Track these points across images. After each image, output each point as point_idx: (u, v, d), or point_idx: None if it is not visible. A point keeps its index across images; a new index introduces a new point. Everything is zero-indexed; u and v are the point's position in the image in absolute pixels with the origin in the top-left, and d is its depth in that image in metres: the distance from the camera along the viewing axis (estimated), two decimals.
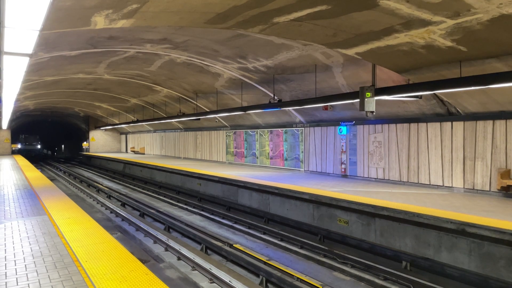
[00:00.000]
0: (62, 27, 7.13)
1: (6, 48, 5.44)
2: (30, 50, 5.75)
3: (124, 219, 13.94)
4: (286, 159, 17.60)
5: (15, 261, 5.23)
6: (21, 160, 28.56)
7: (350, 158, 14.32)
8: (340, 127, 14.62)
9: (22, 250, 5.69)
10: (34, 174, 17.21)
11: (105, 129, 40.61)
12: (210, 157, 24.18)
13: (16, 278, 4.61)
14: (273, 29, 8.19)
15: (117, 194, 19.55)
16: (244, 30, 8.48)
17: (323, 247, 9.67)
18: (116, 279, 4.50)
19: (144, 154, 34.96)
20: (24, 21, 4.34)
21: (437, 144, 11.37)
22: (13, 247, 5.87)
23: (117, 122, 35.67)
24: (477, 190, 10.42)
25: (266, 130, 18.79)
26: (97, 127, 40.31)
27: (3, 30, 4.53)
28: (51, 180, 22.88)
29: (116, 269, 4.82)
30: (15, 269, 4.93)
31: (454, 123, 10.93)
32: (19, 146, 55.73)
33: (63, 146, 63.85)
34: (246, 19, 7.61)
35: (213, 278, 7.89)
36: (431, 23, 7.02)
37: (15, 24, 4.41)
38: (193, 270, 8.58)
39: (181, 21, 7.62)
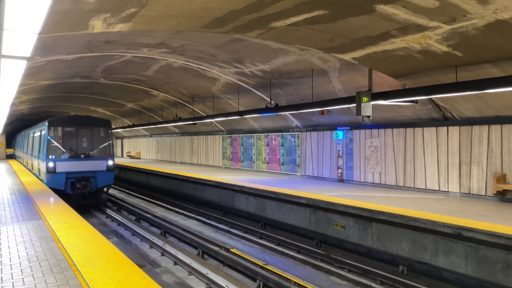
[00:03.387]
0: (60, 30, 7.13)
1: (4, 51, 5.43)
2: (28, 53, 5.73)
3: (120, 223, 13.87)
4: (282, 164, 17.60)
5: (11, 265, 5.19)
6: (16, 164, 28.37)
7: (346, 163, 14.34)
8: (336, 131, 14.66)
9: (18, 255, 5.65)
10: (29, 178, 17.10)
11: None
12: (206, 161, 24.14)
13: (12, 283, 4.57)
14: (271, 33, 8.22)
15: (112, 199, 19.45)
16: (242, 34, 8.51)
17: (320, 251, 9.66)
18: (113, 283, 4.48)
19: (140, 158, 34.85)
20: (23, 23, 4.33)
21: (433, 149, 11.41)
22: (9, 251, 5.82)
23: (113, 126, 35.57)
24: (473, 194, 10.46)
25: (262, 134, 18.80)
26: None
27: (2, 33, 4.52)
28: None
29: (113, 274, 4.79)
30: (11, 273, 4.89)
31: (450, 127, 10.99)
32: (47, 165, 15.55)
33: None
34: (243, 24, 7.64)
35: (210, 283, 7.85)
36: (427, 28, 7.08)
37: (14, 26, 4.40)
38: (189, 275, 8.54)
39: (179, 26, 7.63)
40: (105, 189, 17.48)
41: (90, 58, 13.18)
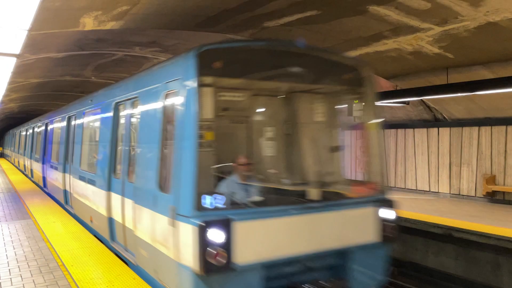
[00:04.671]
0: (51, 27, 7.04)
1: None
2: (17, 51, 5.66)
3: None
4: None
5: None
6: (5, 163, 28.02)
7: None
8: None
9: (6, 254, 5.56)
10: (18, 177, 16.90)
11: None
12: None
13: (0, 283, 4.50)
14: (263, 33, 8.20)
15: None
16: (234, 34, 8.48)
17: None
18: (103, 283, 4.43)
19: None
20: (12, 20, 4.27)
21: (424, 150, 11.48)
22: None
23: None
24: (463, 195, 10.53)
25: None
26: None
27: None
28: None
29: (103, 274, 4.74)
30: None
31: (440, 129, 11.05)
32: (202, 241, 3.33)
33: None
34: (236, 23, 7.61)
35: None
36: (419, 30, 7.10)
37: (3, 23, 4.33)
38: None
39: (172, 24, 7.59)
40: None
41: (81, 56, 13.04)
